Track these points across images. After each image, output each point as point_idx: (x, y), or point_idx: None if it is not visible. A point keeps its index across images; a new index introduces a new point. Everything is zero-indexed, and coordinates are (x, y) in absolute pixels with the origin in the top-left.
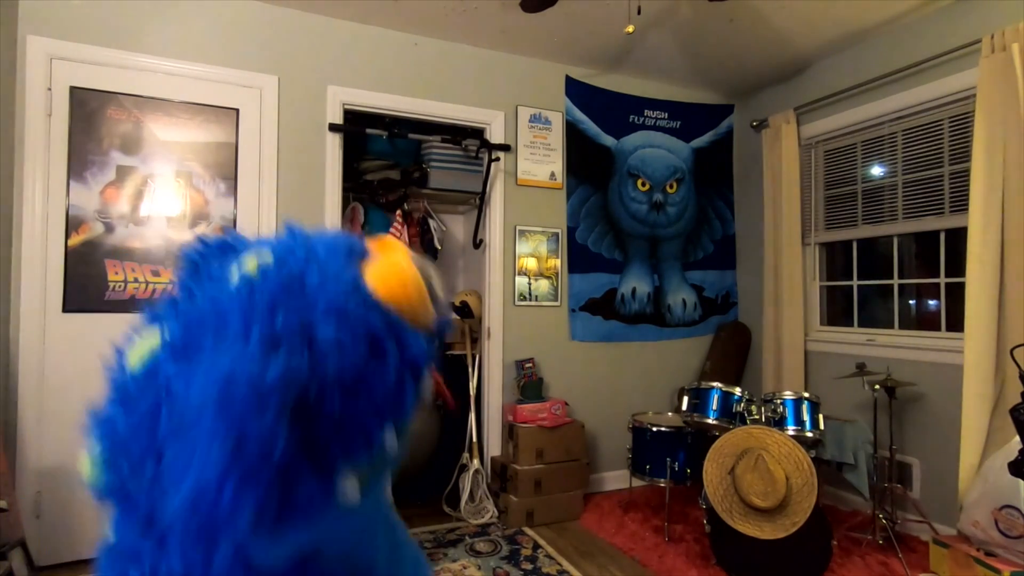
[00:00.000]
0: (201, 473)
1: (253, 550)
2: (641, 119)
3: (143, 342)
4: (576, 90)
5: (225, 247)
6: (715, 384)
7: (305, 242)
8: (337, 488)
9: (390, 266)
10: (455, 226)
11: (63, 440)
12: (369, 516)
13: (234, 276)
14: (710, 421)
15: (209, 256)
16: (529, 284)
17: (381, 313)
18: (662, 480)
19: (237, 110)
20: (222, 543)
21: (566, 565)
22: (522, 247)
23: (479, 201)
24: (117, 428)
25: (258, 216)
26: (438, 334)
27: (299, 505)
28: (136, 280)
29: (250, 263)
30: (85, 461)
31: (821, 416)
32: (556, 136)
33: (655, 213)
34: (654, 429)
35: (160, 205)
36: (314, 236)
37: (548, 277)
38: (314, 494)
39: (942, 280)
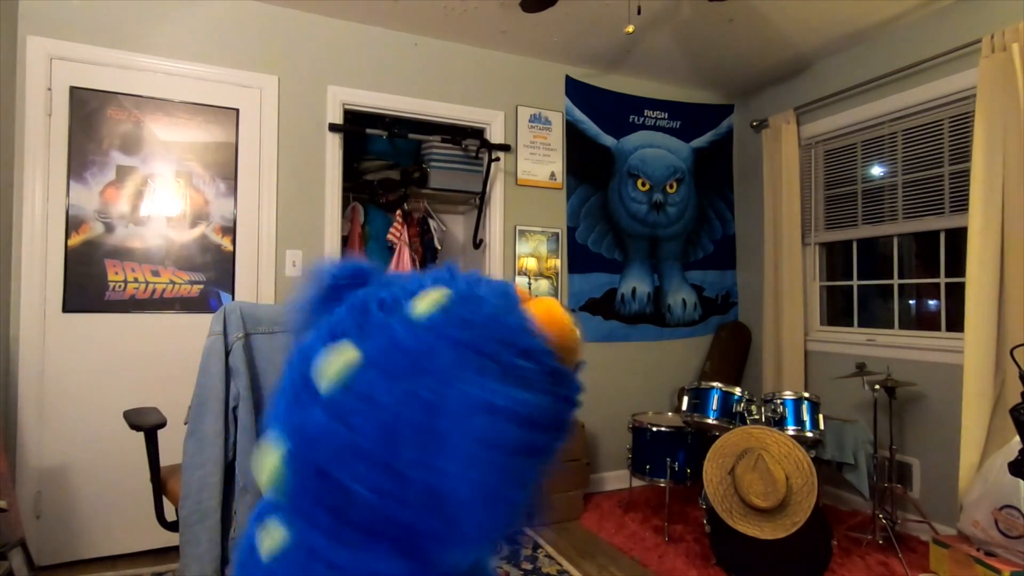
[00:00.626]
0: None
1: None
2: (641, 119)
3: (337, 356)
4: (576, 90)
5: (358, 274)
6: (715, 384)
7: (471, 282)
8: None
9: (550, 308)
10: (455, 226)
11: (63, 440)
12: None
13: (417, 309)
14: (710, 421)
15: (345, 283)
16: (529, 284)
17: (552, 353)
18: (662, 480)
19: (237, 110)
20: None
21: (566, 565)
22: (522, 247)
23: (479, 201)
24: (306, 430)
25: (258, 216)
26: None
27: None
28: (136, 280)
29: (428, 298)
30: (267, 463)
31: (821, 416)
32: (556, 136)
33: (655, 213)
34: (654, 429)
35: (160, 205)
36: (471, 277)
37: (548, 277)
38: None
39: (942, 280)
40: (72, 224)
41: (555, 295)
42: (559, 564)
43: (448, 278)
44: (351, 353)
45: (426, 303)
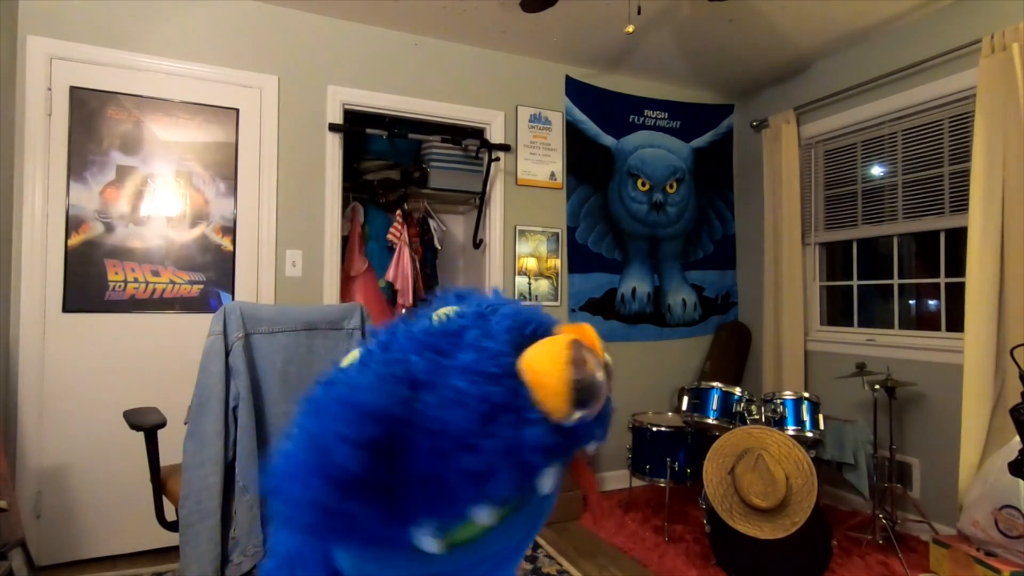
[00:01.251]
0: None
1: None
2: (641, 119)
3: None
4: (576, 90)
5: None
6: (715, 384)
7: (488, 306)
8: (412, 537)
9: (548, 347)
10: (455, 226)
11: (63, 440)
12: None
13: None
14: (710, 421)
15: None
16: (529, 284)
17: (511, 388)
18: (662, 480)
19: (237, 110)
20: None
21: (566, 565)
22: (522, 247)
23: (479, 201)
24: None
25: (258, 216)
26: (579, 434)
27: (363, 535)
28: (136, 280)
29: (443, 311)
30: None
31: (821, 416)
32: (556, 136)
33: (655, 213)
34: (654, 429)
35: (160, 205)
36: (508, 306)
37: (548, 277)
38: (380, 532)
39: (942, 280)
40: (72, 224)
41: (555, 295)
42: (559, 564)
43: (480, 302)
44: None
45: (349, 360)
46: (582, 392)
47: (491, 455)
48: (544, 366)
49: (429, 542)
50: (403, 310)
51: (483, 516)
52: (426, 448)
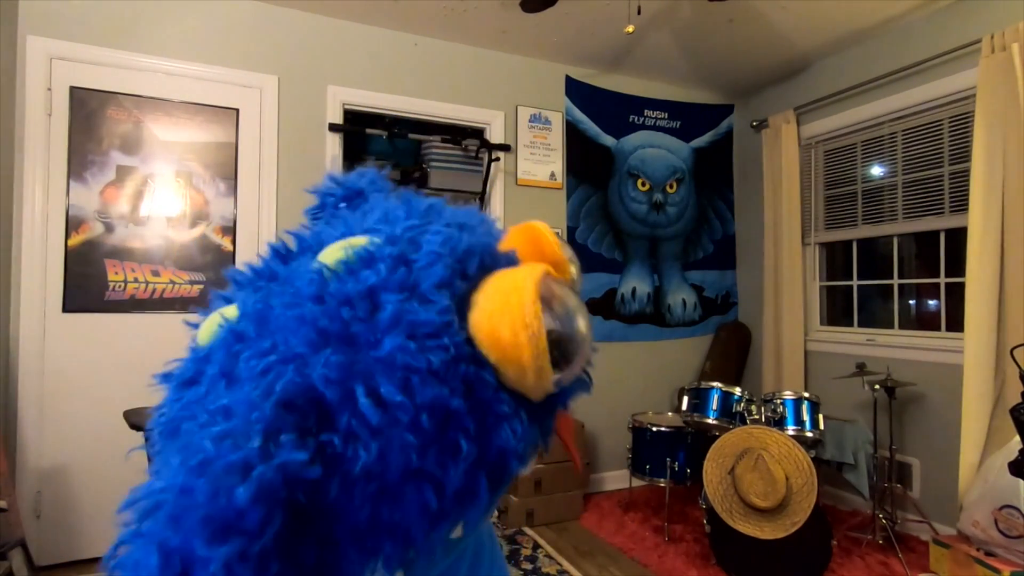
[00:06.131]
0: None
1: None
2: (641, 119)
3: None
4: (576, 90)
5: (352, 193)
6: (715, 384)
7: (411, 234)
8: None
9: (507, 299)
10: None
11: (63, 440)
12: None
13: (315, 265)
14: (710, 421)
15: (336, 203)
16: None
17: (467, 378)
18: (662, 480)
19: (237, 110)
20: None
21: (566, 565)
22: None
23: (479, 201)
24: None
25: (258, 216)
26: (563, 395)
27: None
28: (136, 280)
29: (333, 254)
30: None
31: (821, 416)
32: (556, 136)
33: (655, 213)
34: (654, 429)
35: (160, 205)
36: (434, 232)
37: None
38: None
39: (942, 280)
40: (72, 224)
41: None
42: (559, 564)
43: (395, 218)
44: (232, 311)
45: (326, 257)
46: (561, 348)
47: (458, 480)
48: (507, 332)
49: None
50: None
51: (456, 533)
52: (363, 498)
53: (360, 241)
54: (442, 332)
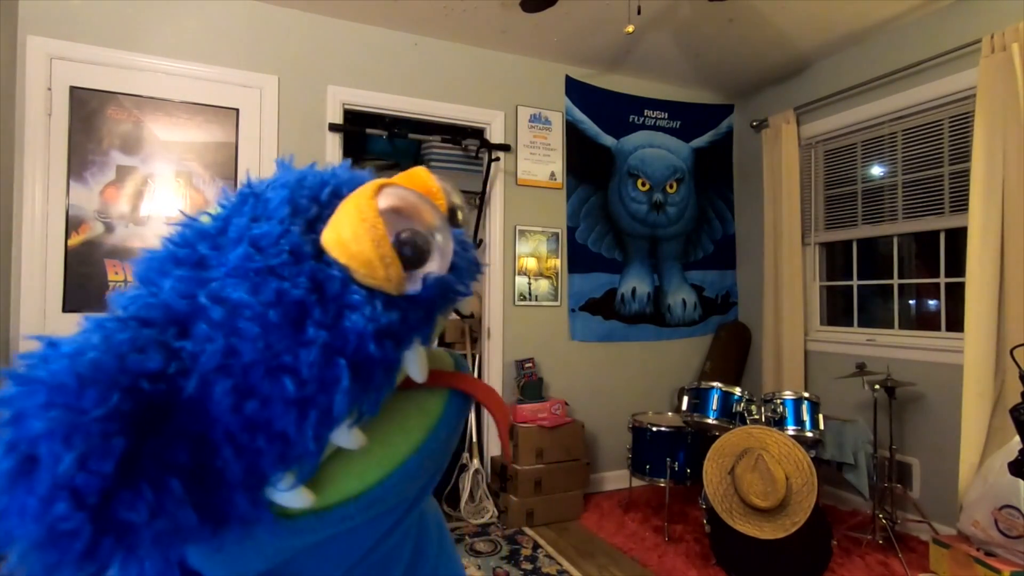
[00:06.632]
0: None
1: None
2: (641, 119)
3: None
4: (576, 90)
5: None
6: (715, 384)
7: (265, 186)
8: (263, 504)
9: (351, 203)
10: None
11: None
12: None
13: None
14: (710, 421)
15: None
16: (529, 284)
17: (311, 273)
18: (662, 480)
19: (237, 110)
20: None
21: (566, 565)
22: (522, 247)
23: (479, 201)
24: None
25: None
26: (432, 297)
27: (216, 514)
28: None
29: (214, 209)
30: None
31: (821, 416)
32: (556, 136)
33: (655, 213)
34: (654, 429)
35: (160, 205)
36: (288, 174)
37: (548, 277)
38: (228, 504)
39: (942, 280)
40: (72, 224)
41: (555, 295)
42: (559, 564)
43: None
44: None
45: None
46: (411, 247)
47: (315, 367)
48: (347, 230)
49: (293, 496)
50: None
51: (347, 439)
52: (223, 392)
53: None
54: (281, 238)
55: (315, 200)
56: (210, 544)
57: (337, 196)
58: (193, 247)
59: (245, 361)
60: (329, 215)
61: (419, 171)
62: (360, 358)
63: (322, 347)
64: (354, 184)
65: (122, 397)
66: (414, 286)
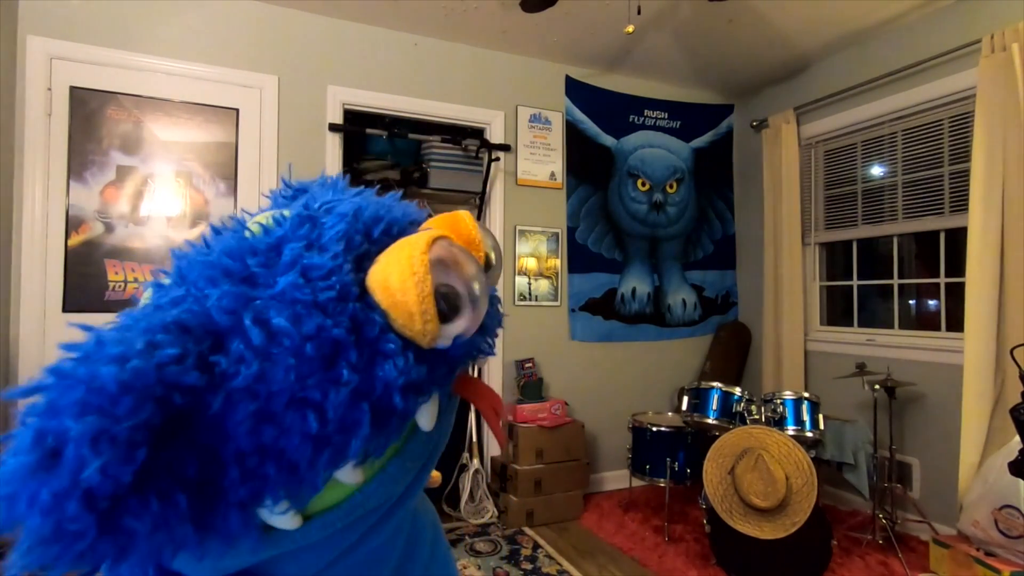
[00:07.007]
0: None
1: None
2: (641, 119)
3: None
4: (576, 90)
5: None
6: (715, 384)
7: (322, 205)
8: (253, 520)
9: (401, 251)
10: None
11: None
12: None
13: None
14: (710, 421)
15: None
16: (529, 284)
17: (353, 315)
18: (662, 480)
19: (237, 110)
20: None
21: (566, 565)
22: (522, 247)
23: (479, 201)
24: None
25: None
26: (458, 354)
27: (167, 543)
28: (136, 280)
29: (256, 220)
30: None
31: (821, 416)
32: (556, 136)
33: (655, 213)
34: (654, 429)
35: (160, 205)
36: (348, 202)
37: (548, 277)
38: (221, 520)
39: (942, 280)
40: (72, 224)
41: (555, 295)
42: (559, 564)
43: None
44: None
45: (251, 223)
46: (451, 302)
47: (340, 408)
48: (396, 278)
49: (283, 519)
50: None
51: (348, 476)
52: (245, 415)
53: (284, 213)
54: (333, 274)
55: (367, 236)
56: (193, 552)
57: (388, 235)
58: (243, 261)
59: (273, 388)
60: (378, 252)
61: (463, 218)
62: (382, 406)
63: (352, 391)
64: (405, 222)
65: (155, 409)
66: (445, 342)
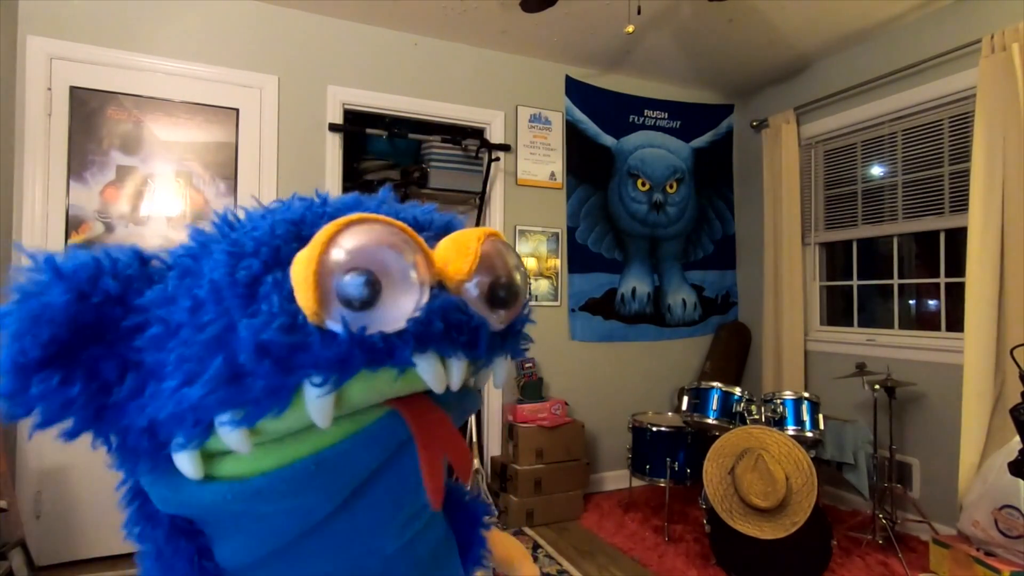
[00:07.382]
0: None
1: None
2: (641, 119)
3: None
4: (576, 90)
5: None
6: (715, 384)
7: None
8: (162, 446)
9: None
10: None
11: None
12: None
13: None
14: (710, 421)
15: None
16: (529, 284)
17: (264, 277)
18: (662, 480)
19: (237, 110)
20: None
21: (566, 565)
22: (522, 247)
23: (479, 201)
24: None
25: None
26: (366, 344)
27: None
28: None
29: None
30: None
31: (821, 416)
32: (556, 136)
33: (655, 213)
34: (654, 429)
35: (160, 205)
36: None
37: (548, 277)
38: (135, 437)
39: (942, 280)
40: (72, 224)
41: (555, 295)
42: (559, 564)
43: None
44: None
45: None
46: (374, 287)
47: (202, 345)
48: (303, 254)
49: (181, 459)
50: None
51: (231, 436)
52: (155, 334)
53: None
54: (243, 253)
55: (299, 237)
56: (148, 474)
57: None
58: (206, 245)
59: (175, 318)
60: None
61: (468, 231)
62: (240, 359)
63: (224, 326)
64: (325, 221)
65: (77, 304)
66: (335, 323)
